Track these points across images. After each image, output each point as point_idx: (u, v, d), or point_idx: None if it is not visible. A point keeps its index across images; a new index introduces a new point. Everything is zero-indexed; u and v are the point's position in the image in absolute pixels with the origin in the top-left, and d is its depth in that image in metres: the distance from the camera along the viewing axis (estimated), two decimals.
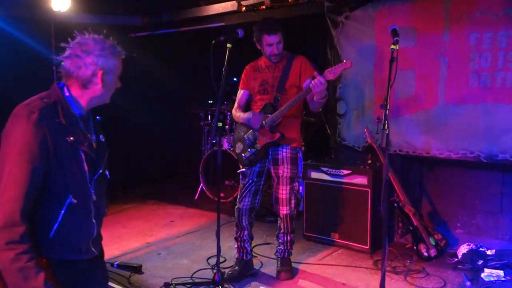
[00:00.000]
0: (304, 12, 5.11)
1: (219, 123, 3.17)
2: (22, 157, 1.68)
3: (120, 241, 4.49)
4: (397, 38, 2.51)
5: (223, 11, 5.64)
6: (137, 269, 3.74)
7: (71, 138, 1.81)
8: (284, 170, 3.53)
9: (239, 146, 3.65)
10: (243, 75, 3.76)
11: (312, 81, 3.21)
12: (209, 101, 6.59)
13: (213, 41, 3.12)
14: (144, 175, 6.95)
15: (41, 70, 5.20)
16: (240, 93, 3.76)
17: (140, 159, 7.06)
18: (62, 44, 1.88)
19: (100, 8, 6.21)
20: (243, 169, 3.63)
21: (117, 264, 3.79)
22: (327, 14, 4.78)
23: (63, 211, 1.78)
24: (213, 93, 3.63)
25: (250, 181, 3.59)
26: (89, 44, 1.84)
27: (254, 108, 3.69)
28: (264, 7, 5.23)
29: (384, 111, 2.32)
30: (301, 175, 3.69)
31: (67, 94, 1.87)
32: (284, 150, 3.54)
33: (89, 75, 1.82)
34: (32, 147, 1.69)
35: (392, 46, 2.48)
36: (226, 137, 5.76)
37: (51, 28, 4.84)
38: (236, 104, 3.78)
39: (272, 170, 3.61)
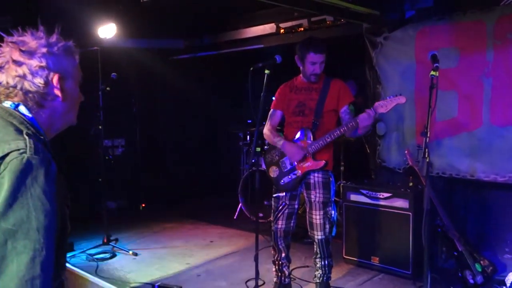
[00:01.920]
0: (342, 33, 5.12)
1: (257, 148, 3.20)
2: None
3: (160, 261, 4.57)
4: (437, 64, 2.48)
5: (262, 33, 5.73)
6: None
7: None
8: (316, 195, 3.49)
9: (274, 171, 3.59)
10: (277, 95, 3.71)
11: (360, 115, 3.20)
12: (248, 121, 6.66)
13: (251, 68, 3.16)
14: (183, 194, 7.07)
15: (88, 95, 5.43)
16: (274, 113, 3.68)
17: (179, 179, 7.21)
18: None
19: (144, 32, 6.44)
20: (280, 194, 3.59)
21: (158, 286, 3.85)
22: (366, 35, 4.77)
23: None
24: (251, 113, 3.68)
25: (284, 203, 3.56)
26: (28, 42, 1.32)
27: (288, 130, 3.63)
28: (302, 28, 5.27)
29: (424, 139, 2.28)
30: (333, 199, 3.64)
31: (28, 115, 1.34)
32: (316, 174, 3.50)
33: (42, 86, 1.32)
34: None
35: (432, 73, 2.45)
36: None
37: (97, 55, 5.05)
38: (269, 125, 3.70)
39: (304, 194, 3.59)
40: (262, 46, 5.85)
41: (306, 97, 3.55)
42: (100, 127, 4.85)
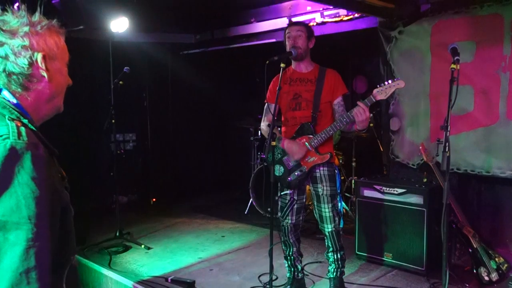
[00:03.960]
0: (356, 27, 5.07)
1: (273, 142, 3.17)
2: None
3: (172, 255, 4.57)
4: (457, 57, 2.44)
5: (274, 27, 5.69)
6: (191, 285, 3.79)
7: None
8: (324, 188, 3.45)
9: (279, 169, 3.51)
10: (270, 87, 3.58)
11: (355, 110, 3.12)
12: (259, 116, 6.63)
13: (267, 61, 3.13)
14: (194, 189, 7.09)
15: (100, 88, 5.44)
16: (271, 107, 3.49)
17: (190, 173, 7.22)
18: None
19: (155, 27, 6.43)
20: (287, 191, 3.54)
21: (171, 279, 3.86)
22: (380, 29, 4.72)
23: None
24: (263, 108, 3.64)
25: (292, 199, 3.53)
26: (9, 21, 1.25)
27: (286, 126, 3.54)
28: (315, 23, 5.22)
29: (445, 132, 2.25)
30: (339, 191, 3.61)
31: (13, 101, 1.28)
32: (322, 168, 3.45)
33: (26, 67, 1.25)
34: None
35: (452, 66, 2.41)
36: None
37: (109, 48, 5.04)
38: (266, 120, 3.61)
39: (311, 188, 3.56)
40: (274, 40, 5.81)
41: (301, 89, 3.45)
42: (113, 121, 4.85)
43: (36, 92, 1.29)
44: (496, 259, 3.84)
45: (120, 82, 4.74)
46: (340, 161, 5.67)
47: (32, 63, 1.26)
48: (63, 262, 1.32)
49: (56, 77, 1.33)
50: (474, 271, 3.79)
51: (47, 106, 1.34)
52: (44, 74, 1.29)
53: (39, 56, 1.27)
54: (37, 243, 1.13)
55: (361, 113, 3.11)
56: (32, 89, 1.29)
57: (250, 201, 5.94)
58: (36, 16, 1.30)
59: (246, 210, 6.02)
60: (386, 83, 3.16)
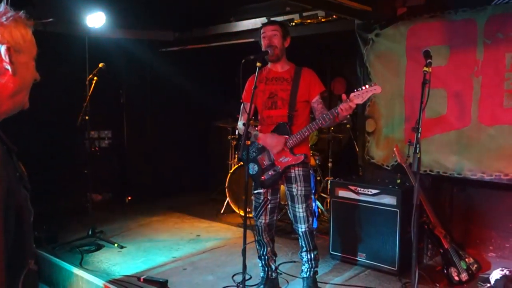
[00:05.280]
0: (334, 29, 5.11)
1: (247, 141, 3.16)
2: None
3: (146, 254, 4.53)
4: (430, 60, 2.47)
5: (253, 27, 5.68)
6: (163, 285, 3.74)
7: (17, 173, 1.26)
8: (298, 189, 3.46)
9: (253, 168, 3.50)
10: (247, 86, 3.55)
11: (341, 106, 3.13)
12: (237, 115, 6.62)
13: (243, 60, 3.12)
14: (170, 188, 7.03)
15: (75, 84, 5.35)
16: (247, 106, 3.41)
17: (166, 172, 7.16)
18: None
19: (133, 23, 6.36)
20: (260, 190, 3.53)
21: (143, 279, 3.81)
22: (357, 31, 4.76)
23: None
24: (240, 108, 3.63)
25: (265, 199, 3.52)
26: None
27: (262, 125, 3.54)
28: (294, 23, 5.24)
29: (415, 134, 2.27)
30: (314, 191, 3.62)
31: None
32: (297, 168, 3.46)
33: None
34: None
35: (425, 69, 2.44)
36: None
37: (85, 43, 4.96)
38: (243, 119, 3.57)
39: (285, 188, 3.56)
40: (252, 40, 5.80)
41: (277, 87, 3.45)
42: (87, 117, 4.77)
43: None
44: (467, 260, 3.91)
45: (95, 78, 4.67)
46: (317, 162, 5.70)
47: None
48: (20, 265, 1.25)
49: (21, 71, 1.26)
50: (445, 271, 3.86)
51: (9, 102, 1.26)
52: (8, 67, 1.23)
53: (3, 48, 1.21)
54: None
55: (347, 110, 3.13)
56: None
57: (226, 201, 5.93)
58: (2, 7, 1.25)
59: (222, 209, 6.00)
60: (363, 87, 3.17)
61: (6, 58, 1.22)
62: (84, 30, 5.19)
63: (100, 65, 4.69)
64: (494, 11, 3.90)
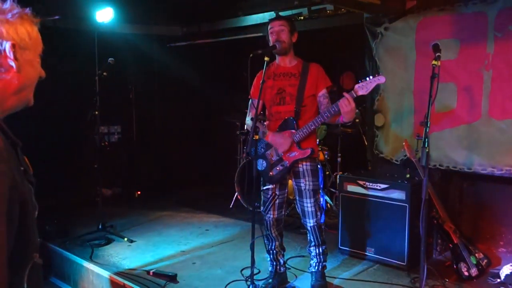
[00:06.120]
0: (342, 23, 5.08)
1: (255, 136, 3.17)
2: None
3: (155, 249, 4.56)
4: (438, 54, 2.45)
5: (261, 21, 5.67)
6: (173, 278, 3.78)
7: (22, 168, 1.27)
8: (307, 183, 3.46)
9: (261, 163, 3.52)
10: (255, 82, 3.56)
11: (341, 100, 3.14)
12: (245, 110, 6.62)
13: (251, 55, 3.12)
14: (179, 182, 7.06)
15: (84, 79, 5.39)
16: (255, 102, 3.35)
17: (176, 167, 7.19)
18: None
19: (141, 18, 6.38)
20: (269, 186, 3.54)
21: (153, 272, 3.85)
22: (366, 25, 4.73)
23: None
24: (249, 103, 3.63)
25: (274, 194, 3.53)
26: None
27: (271, 122, 3.55)
28: (302, 17, 5.22)
29: (424, 128, 2.26)
30: (322, 186, 3.62)
31: None
32: (305, 163, 3.46)
33: None
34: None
35: (434, 62, 2.42)
36: None
37: (94, 39, 4.99)
38: (251, 115, 3.56)
39: (293, 183, 3.56)
40: (260, 34, 5.79)
41: (285, 83, 3.46)
42: (96, 112, 4.80)
43: (3, 82, 1.23)
44: (476, 255, 3.88)
45: (104, 73, 4.69)
46: (326, 157, 5.68)
47: (0, 52, 1.21)
48: (24, 259, 1.27)
49: (26, 68, 1.27)
50: (454, 266, 3.84)
51: (14, 98, 1.26)
52: (13, 64, 1.22)
53: (7, 45, 1.21)
54: None
55: (346, 104, 3.13)
56: None
57: (235, 195, 5.94)
58: (8, 4, 1.24)
59: (231, 204, 6.01)
60: (367, 78, 3.18)
61: (10, 55, 1.22)
62: (93, 26, 5.22)
63: (109, 60, 4.71)
64: (505, 4, 3.85)
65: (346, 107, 3.13)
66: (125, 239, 4.75)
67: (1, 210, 1.11)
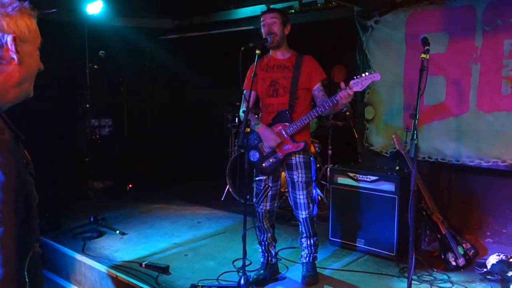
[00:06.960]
0: (333, 16, 5.10)
1: (247, 128, 3.19)
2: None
3: (147, 241, 4.58)
4: (427, 47, 2.49)
5: (252, 14, 5.68)
6: (165, 270, 3.81)
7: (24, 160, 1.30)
8: (299, 176, 3.50)
9: (254, 155, 3.55)
10: (248, 74, 3.56)
11: (340, 93, 3.17)
12: (237, 103, 6.64)
13: (242, 48, 3.13)
14: (171, 175, 7.07)
15: (75, 72, 5.37)
16: (248, 94, 3.41)
17: (167, 160, 7.19)
18: None
19: (132, 11, 6.35)
20: (261, 177, 3.57)
21: (145, 264, 3.87)
22: (357, 18, 4.76)
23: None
24: (241, 95, 3.64)
25: (266, 185, 3.56)
26: None
27: (264, 113, 3.58)
28: (293, 11, 5.24)
29: (413, 120, 2.30)
30: (314, 178, 3.66)
31: None
32: (298, 155, 3.49)
33: None
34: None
35: (423, 55, 2.46)
36: None
37: (84, 32, 4.96)
38: (244, 107, 3.52)
39: (286, 175, 3.60)
40: (252, 27, 5.80)
41: (279, 75, 3.47)
42: (87, 105, 4.79)
43: (4, 74, 1.26)
44: (464, 245, 3.96)
45: (95, 66, 4.68)
46: (316, 149, 5.72)
47: (1, 45, 1.24)
48: (26, 249, 1.31)
49: (27, 60, 1.30)
50: (442, 256, 3.91)
51: (15, 90, 1.30)
52: (14, 56, 1.26)
53: (9, 38, 1.24)
54: (2, 228, 1.12)
55: (346, 97, 3.17)
56: (1, 71, 1.26)
57: (227, 188, 5.97)
58: None
59: (223, 197, 6.05)
60: (363, 75, 3.21)
61: (12, 47, 1.25)
62: (83, 18, 5.19)
63: (100, 53, 4.69)
64: None
65: (346, 99, 3.18)
66: (117, 231, 4.76)
67: (9, 199, 1.15)
